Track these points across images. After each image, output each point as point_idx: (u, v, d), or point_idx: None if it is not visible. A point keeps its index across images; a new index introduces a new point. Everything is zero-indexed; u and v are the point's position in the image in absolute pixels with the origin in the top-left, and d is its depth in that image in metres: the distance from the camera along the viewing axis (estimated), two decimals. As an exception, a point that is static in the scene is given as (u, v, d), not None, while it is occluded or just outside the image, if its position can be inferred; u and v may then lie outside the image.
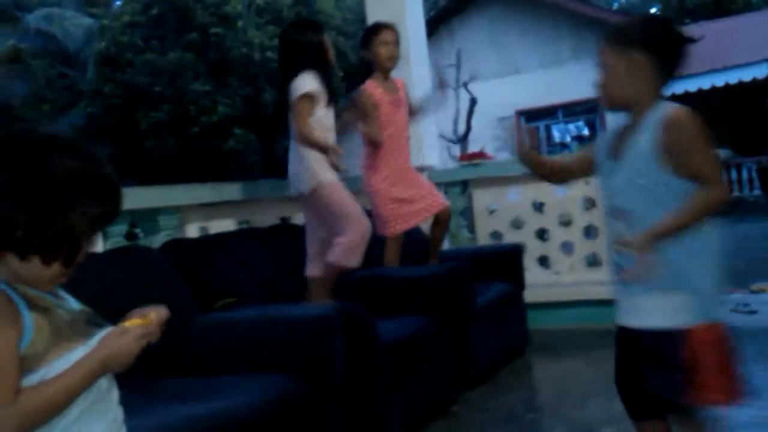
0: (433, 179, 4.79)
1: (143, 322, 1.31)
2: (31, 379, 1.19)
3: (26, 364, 1.19)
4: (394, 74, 3.97)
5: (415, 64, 5.15)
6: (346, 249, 3.29)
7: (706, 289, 1.82)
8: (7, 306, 1.19)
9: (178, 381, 2.41)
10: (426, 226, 4.30)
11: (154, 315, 1.33)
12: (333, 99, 3.43)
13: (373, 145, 3.83)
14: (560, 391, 3.57)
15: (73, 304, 1.31)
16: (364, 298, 3.23)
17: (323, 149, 3.26)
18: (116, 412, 1.32)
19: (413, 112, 4.06)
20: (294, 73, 3.34)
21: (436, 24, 16.25)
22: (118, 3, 18.69)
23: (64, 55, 17.87)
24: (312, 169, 3.34)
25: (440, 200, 4.05)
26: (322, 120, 3.38)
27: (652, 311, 1.84)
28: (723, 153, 14.10)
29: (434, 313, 3.32)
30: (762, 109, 15.05)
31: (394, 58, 3.87)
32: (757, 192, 13.94)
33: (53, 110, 17.17)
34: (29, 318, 1.20)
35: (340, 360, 2.45)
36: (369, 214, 3.83)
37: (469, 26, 16.79)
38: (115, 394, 1.33)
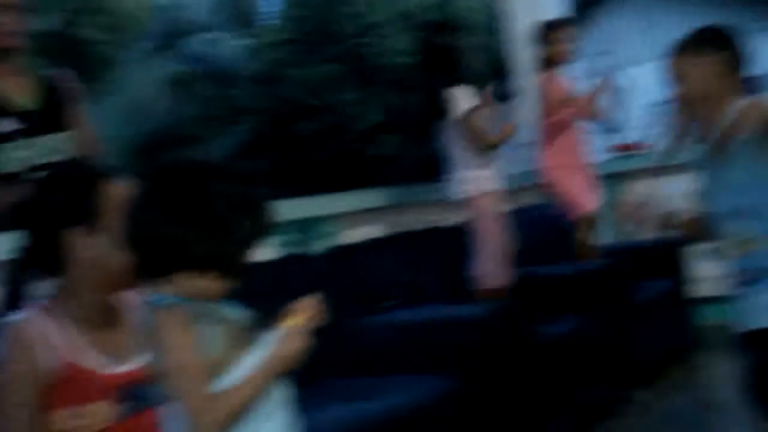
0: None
1: (301, 321, 1.38)
2: (219, 385, 1.29)
3: (213, 370, 1.29)
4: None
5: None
6: (491, 262, 3.29)
7: None
8: (187, 320, 1.30)
9: (345, 381, 2.52)
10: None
11: (307, 307, 1.41)
12: (485, 104, 3.41)
13: (556, 128, 3.89)
14: (734, 391, 3.38)
15: (241, 313, 1.41)
16: (522, 297, 3.23)
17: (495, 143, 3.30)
18: (284, 412, 1.40)
19: (582, 109, 4.04)
20: (442, 79, 3.37)
21: (585, 9, 15.78)
22: (268, 22, 19.59)
23: (222, 76, 18.95)
24: (467, 176, 3.37)
25: (592, 203, 4.04)
26: (483, 120, 3.39)
27: None
28: None
29: (593, 311, 3.25)
30: None
31: (570, 54, 3.93)
32: None
33: (216, 129, 18.26)
34: (211, 329, 1.31)
35: (499, 360, 2.46)
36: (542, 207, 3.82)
37: (621, 9, 16.18)
38: (289, 394, 1.42)
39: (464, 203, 3.41)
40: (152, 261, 1.32)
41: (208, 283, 1.31)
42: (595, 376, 3.14)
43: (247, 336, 1.36)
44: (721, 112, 1.86)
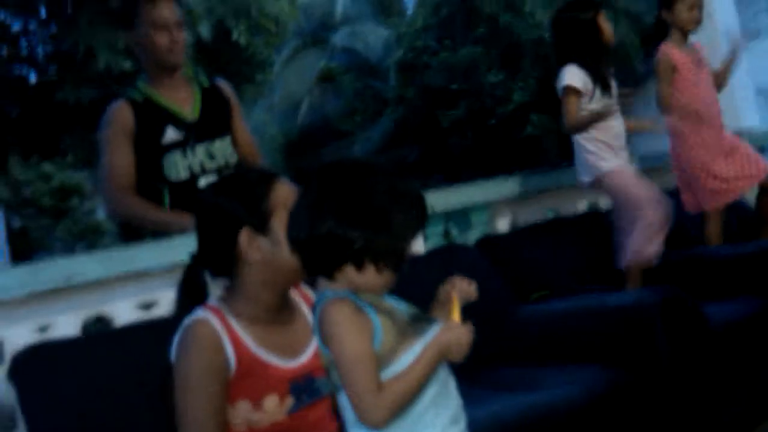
0: (753, 142, 4.37)
1: (458, 311, 1.44)
2: (386, 374, 1.36)
3: (380, 360, 1.36)
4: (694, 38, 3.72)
5: (721, 17, 4.74)
6: (642, 237, 3.12)
7: None
8: (358, 312, 1.37)
9: (505, 371, 2.51)
10: (751, 197, 3.94)
11: (461, 288, 1.48)
12: (606, 86, 3.23)
13: (667, 111, 3.61)
14: None
15: (403, 305, 1.47)
16: (687, 280, 3.06)
17: (599, 118, 3.14)
18: (456, 401, 1.45)
19: (716, 78, 3.75)
20: (563, 57, 3.25)
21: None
22: (410, 11, 19.73)
23: (368, 68, 19.30)
24: (590, 159, 3.22)
25: (764, 166, 3.69)
26: (597, 108, 3.19)
27: None
28: None
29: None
30: None
31: (697, 22, 3.62)
32: None
33: (363, 120, 18.65)
34: (377, 320, 1.38)
35: (664, 348, 2.36)
36: (676, 191, 3.62)
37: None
38: (452, 384, 1.46)
39: (600, 183, 3.25)
40: (318, 260, 1.39)
41: (372, 277, 1.37)
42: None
43: (411, 327, 1.42)
44: None
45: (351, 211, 1.35)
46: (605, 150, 3.21)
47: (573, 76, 3.19)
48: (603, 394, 2.21)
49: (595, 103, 3.22)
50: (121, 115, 2.67)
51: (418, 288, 1.56)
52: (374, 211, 1.35)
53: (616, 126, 3.27)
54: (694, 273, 3.27)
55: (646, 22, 17.69)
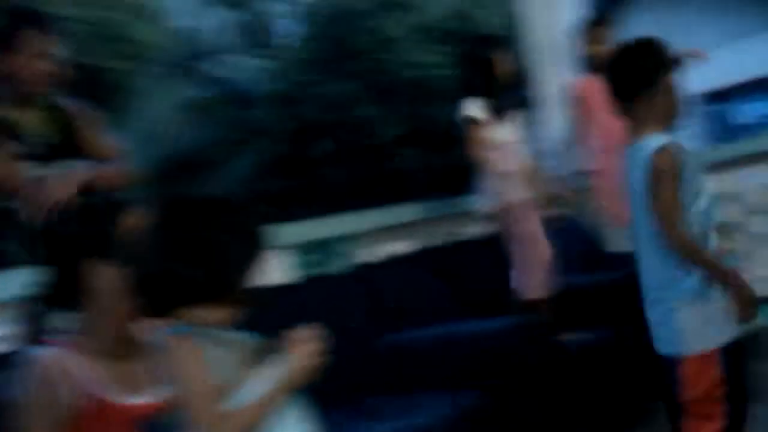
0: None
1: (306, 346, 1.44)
2: (230, 405, 1.34)
3: (223, 392, 1.34)
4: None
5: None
6: (528, 276, 3.22)
7: None
8: (196, 347, 1.35)
9: (374, 400, 2.49)
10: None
11: (306, 337, 1.46)
12: (503, 115, 3.37)
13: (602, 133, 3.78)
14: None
15: (248, 336, 1.46)
16: (556, 307, 3.19)
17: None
18: (300, 430, 1.43)
19: None
20: (466, 91, 3.35)
21: (604, 8, 15.71)
22: (285, 43, 19.73)
23: (238, 98, 19.09)
24: (490, 188, 3.32)
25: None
26: (497, 138, 3.34)
27: None
28: None
29: (624, 321, 3.19)
30: None
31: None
32: None
33: (232, 151, 18.38)
34: (218, 353, 1.37)
35: (528, 373, 2.43)
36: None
37: (640, 7, 16.09)
38: (297, 412, 1.43)
39: (495, 214, 3.35)
40: (158, 296, 1.38)
41: (215, 312, 1.38)
42: (626, 386, 3.08)
43: (256, 358, 1.43)
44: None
45: (188, 247, 1.35)
46: (505, 180, 3.28)
47: (471, 107, 3.29)
48: (470, 418, 2.23)
49: (499, 131, 3.33)
50: None
51: (279, 318, 1.54)
52: (211, 247, 1.36)
53: (518, 157, 3.35)
54: (562, 301, 3.40)
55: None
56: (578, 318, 3.23)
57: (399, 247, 3.65)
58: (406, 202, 3.90)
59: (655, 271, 2.06)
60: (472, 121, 3.27)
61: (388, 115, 16.59)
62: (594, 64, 3.75)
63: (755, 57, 13.35)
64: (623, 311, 3.23)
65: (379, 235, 3.59)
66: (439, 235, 3.87)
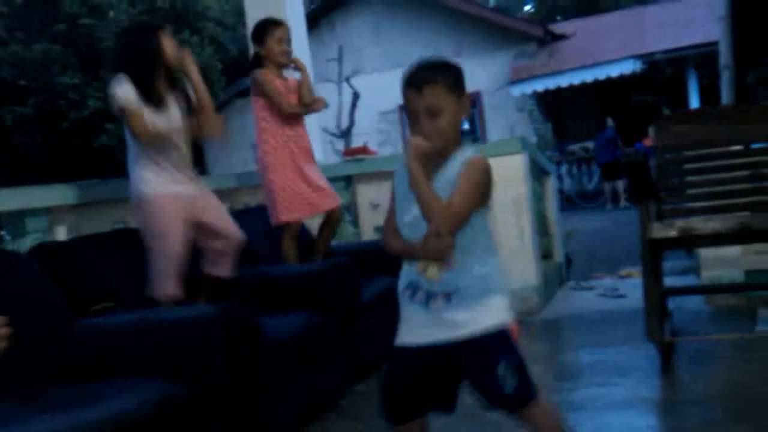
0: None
1: None
2: None
3: None
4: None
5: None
6: (159, 274, 3.05)
7: None
8: None
9: (57, 389, 2.31)
10: (313, 224, 4.29)
11: None
12: (161, 102, 3.12)
13: (271, 121, 3.88)
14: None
15: None
16: (249, 296, 3.20)
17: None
18: None
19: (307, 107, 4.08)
20: (119, 67, 3.11)
21: (317, 17, 16.18)
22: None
23: None
24: (135, 178, 3.11)
25: (336, 199, 4.10)
26: (156, 124, 3.08)
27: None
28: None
29: (320, 310, 3.31)
30: (628, 103, 15.89)
31: (288, 54, 3.98)
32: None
33: None
34: None
35: (223, 360, 2.41)
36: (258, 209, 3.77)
37: (352, 20, 16.81)
38: None
39: (140, 205, 3.10)
40: None
41: None
42: (322, 371, 3.20)
43: None
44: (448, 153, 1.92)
45: None
46: (155, 172, 3.09)
47: (123, 89, 3.04)
48: (159, 407, 2.15)
49: (158, 117, 3.10)
50: None
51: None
52: None
53: (177, 148, 3.17)
54: (258, 289, 3.43)
55: (231, 52, 18.40)
56: (279, 306, 3.29)
57: (96, 226, 3.40)
58: (106, 179, 3.66)
59: None
60: (123, 107, 3.04)
61: (91, 85, 15.49)
62: (267, 63, 3.96)
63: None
64: (323, 300, 3.37)
65: (74, 212, 3.32)
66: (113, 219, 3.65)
